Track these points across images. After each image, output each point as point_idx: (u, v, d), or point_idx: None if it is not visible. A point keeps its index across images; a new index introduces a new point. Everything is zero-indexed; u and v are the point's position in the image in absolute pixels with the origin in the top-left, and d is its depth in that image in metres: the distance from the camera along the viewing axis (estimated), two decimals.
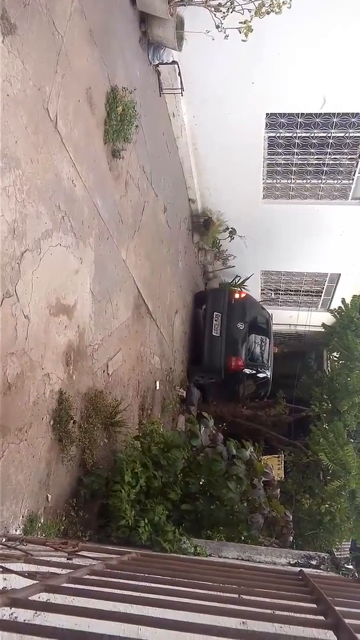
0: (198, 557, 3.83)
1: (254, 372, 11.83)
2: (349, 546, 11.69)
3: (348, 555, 11.20)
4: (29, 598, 1.46)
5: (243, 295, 11.90)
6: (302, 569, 2.50)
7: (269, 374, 12.14)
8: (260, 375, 12.05)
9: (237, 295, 11.73)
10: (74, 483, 4.81)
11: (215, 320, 11.28)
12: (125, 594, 1.59)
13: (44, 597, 1.65)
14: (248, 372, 11.63)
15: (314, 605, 1.79)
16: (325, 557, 5.63)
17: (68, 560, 2.19)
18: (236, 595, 1.79)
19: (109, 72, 5.54)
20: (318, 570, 5.35)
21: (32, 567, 1.95)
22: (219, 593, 1.79)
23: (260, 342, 11.92)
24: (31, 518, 3.91)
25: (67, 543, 2.33)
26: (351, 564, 11.00)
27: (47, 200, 4.18)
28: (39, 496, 4.09)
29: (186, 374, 10.85)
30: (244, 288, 12.63)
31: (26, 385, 3.85)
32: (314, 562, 5.49)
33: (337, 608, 1.61)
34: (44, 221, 4.12)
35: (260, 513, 5.78)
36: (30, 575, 1.76)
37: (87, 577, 1.86)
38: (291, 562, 5.38)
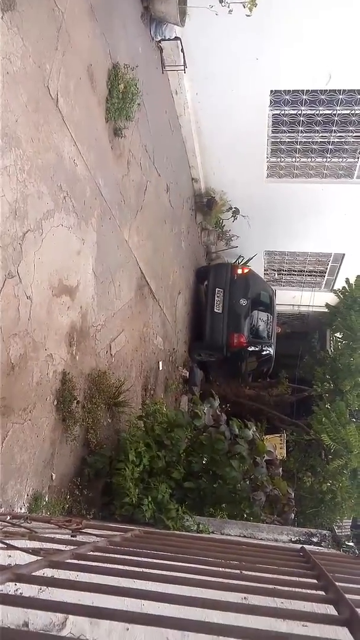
0: (200, 534, 3.89)
1: (256, 349, 11.70)
2: (350, 524, 11.83)
3: (349, 533, 11.35)
4: (33, 574, 1.49)
5: (246, 270, 11.68)
6: (304, 546, 2.53)
7: (272, 350, 12.00)
8: (263, 352, 11.92)
9: (239, 271, 11.54)
10: (78, 462, 4.86)
11: (217, 296, 11.08)
12: (128, 569, 1.61)
13: (48, 573, 1.68)
14: (250, 349, 11.48)
15: (315, 581, 1.82)
16: (327, 534, 5.70)
17: (72, 538, 2.22)
18: (238, 571, 1.82)
19: (111, 49, 5.46)
20: (319, 547, 5.42)
21: (36, 544, 1.98)
22: (220, 569, 1.81)
23: (263, 319, 11.76)
24: (36, 497, 3.96)
25: (71, 520, 2.35)
26: (352, 541, 11.14)
27: (49, 180, 4.15)
28: (43, 475, 4.14)
29: (187, 351, 10.75)
30: None
31: (29, 366, 3.88)
32: (315, 539, 5.56)
33: (337, 584, 1.64)
34: (45, 201, 4.10)
35: (262, 491, 5.84)
36: (34, 551, 1.78)
37: (91, 553, 1.88)
38: (292, 539, 5.45)
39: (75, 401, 4.58)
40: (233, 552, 2.24)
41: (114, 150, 5.74)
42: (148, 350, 7.53)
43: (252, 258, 12.81)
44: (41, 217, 4.04)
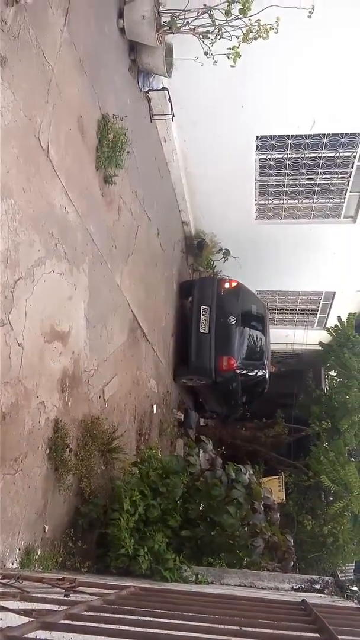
0: (198, 590, 3.76)
1: (249, 372, 10.61)
2: (353, 567, 11.52)
3: (352, 577, 11.04)
4: (25, 636, 1.43)
5: (234, 284, 10.57)
6: (305, 599, 2.45)
7: (266, 372, 10.92)
8: (257, 374, 10.83)
9: (227, 285, 10.46)
10: (72, 512, 4.73)
11: (203, 314, 9.97)
12: (124, 629, 1.56)
13: (40, 634, 1.61)
14: (242, 372, 10.35)
15: (317, 635, 1.76)
16: (329, 580, 5.54)
17: (65, 597, 2.14)
18: (237, 628, 1.75)
19: (100, 100, 5.61)
20: (322, 595, 5.26)
21: (28, 605, 1.91)
22: (219, 626, 1.75)
23: (255, 337, 10.65)
24: (28, 550, 3.84)
25: (64, 579, 2.28)
26: (356, 586, 10.79)
27: (40, 228, 4.19)
28: (35, 527, 4.02)
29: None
30: None
31: (21, 414, 3.82)
32: (317, 587, 5.40)
33: (340, 637, 1.59)
34: (37, 249, 4.13)
35: (261, 537, 5.69)
36: (26, 612, 1.72)
37: (85, 613, 1.82)
38: (294, 587, 5.29)
39: (67, 449, 4.49)
40: (232, 608, 2.16)
41: (104, 197, 5.83)
42: (142, 394, 7.46)
43: None
44: (32, 264, 4.06)
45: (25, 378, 3.90)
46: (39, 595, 2.04)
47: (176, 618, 1.72)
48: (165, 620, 1.66)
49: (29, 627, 1.48)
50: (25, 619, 1.56)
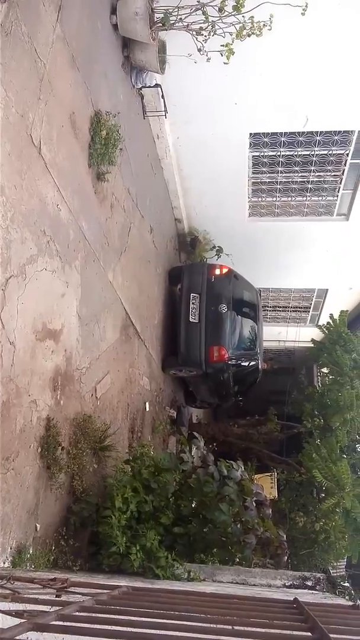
0: (190, 589, 3.77)
1: (240, 362, 10.29)
2: (345, 564, 11.58)
3: (344, 573, 11.11)
4: (16, 638, 1.42)
5: (225, 270, 10.12)
6: (297, 597, 2.46)
7: (258, 362, 10.64)
8: (249, 364, 10.54)
9: (217, 271, 10.01)
10: (64, 511, 4.72)
11: (193, 303, 9.57)
12: (116, 629, 1.55)
13: (32, 636, 1.60)
14: (234, 363, 10.01)
15: (309, 634, 1.76)
16: (321, 577, 5.57)
17: (57, 597, 2.13)
18: (229, 627, 1.76)
19: (93, 97, 5.58)
20: (314, 591, 5.28)
21: (20, 606, 1.90)
22: (212, 625, 1.75)
23: (247, 326, 10.31)
24: (20, 549, 3.83)
25: (56, 579, 2.27)
26: (347, 582, 10.87)
27: (32, 226, 4.17)
28: (27, 526, 4.01)
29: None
30: None
31: (12, 413, 3.80)
32: (309, 583, 5.42)
33: (332, 635, 1.59)
34: (28, 246, 4.11)
35: (253, 534, 5.71)
36: (17, 614, 1.71)
37: (77, 613, 1.81)
38: (286, 584, 5.31)
39: (60, 447, 4.47)
40: (224, 607, 2.17)
41: (97, 195, 5.80)
42: (134, 392, 7.45)
43: None
44: (24, 262, 4.04)
45: (16, 376, 3.88)
46: (31, 596, 2.04)
47: (168, 618, 1.72)
48: (157, 620, 1.66)
49: (21, 628, 1.48)
50: (16, 620, 1.56)
